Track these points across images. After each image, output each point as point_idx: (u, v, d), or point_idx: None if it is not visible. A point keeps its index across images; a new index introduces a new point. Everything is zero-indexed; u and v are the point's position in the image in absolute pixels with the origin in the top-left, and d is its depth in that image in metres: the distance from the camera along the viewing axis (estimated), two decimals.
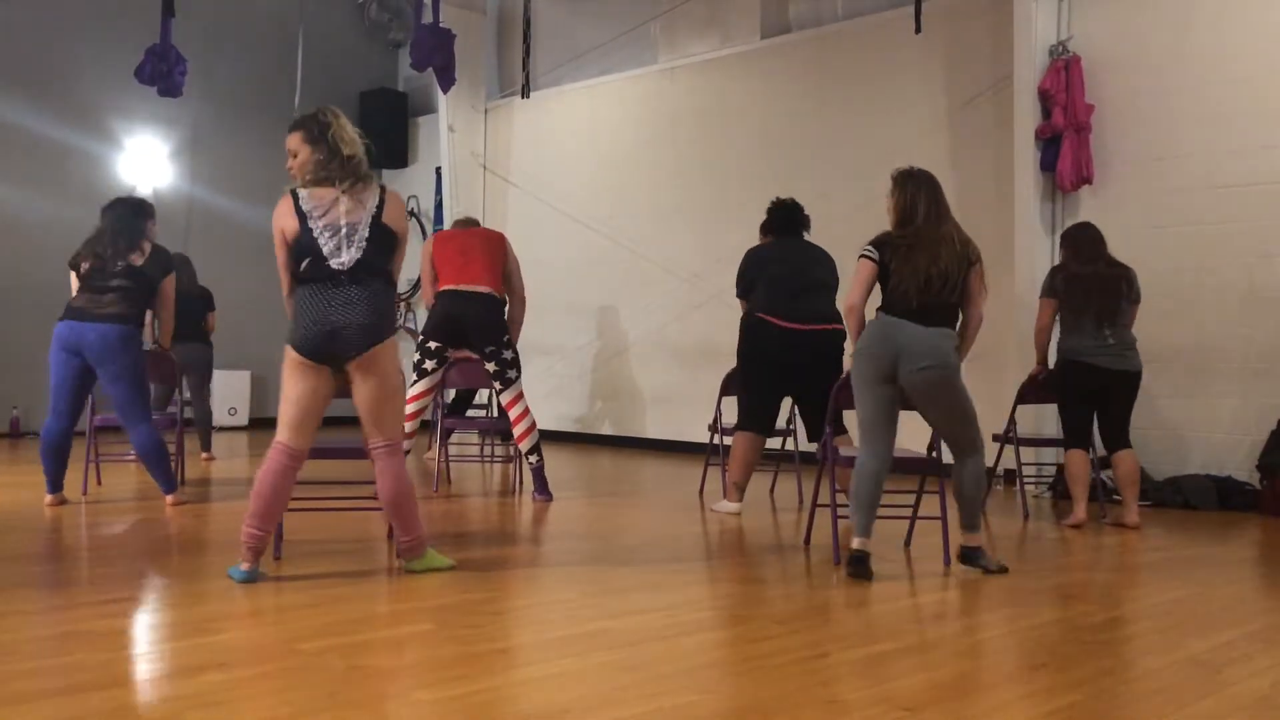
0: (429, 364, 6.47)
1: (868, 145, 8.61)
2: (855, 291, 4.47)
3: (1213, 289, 6.92)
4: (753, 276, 6.11)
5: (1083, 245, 5.99)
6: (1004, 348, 7.61)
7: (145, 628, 3.37)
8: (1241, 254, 6.82)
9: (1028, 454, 6.52)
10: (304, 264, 3.93)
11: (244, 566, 3.87)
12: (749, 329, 6.04)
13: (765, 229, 6.37)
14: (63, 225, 10.55)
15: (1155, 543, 5.46)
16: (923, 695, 2.75)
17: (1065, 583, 4.38)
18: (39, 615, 3.36)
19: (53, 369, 5.81)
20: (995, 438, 6.58)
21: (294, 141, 4.06)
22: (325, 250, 3.92)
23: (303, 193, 3.99)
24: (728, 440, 6.70)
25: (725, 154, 9.61)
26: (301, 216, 3.96)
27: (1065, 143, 7.31)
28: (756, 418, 6.03)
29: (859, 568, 4.18)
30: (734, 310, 8.77)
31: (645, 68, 10.40)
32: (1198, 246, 6.98)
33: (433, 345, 6.46)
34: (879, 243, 4.49)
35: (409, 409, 6.39)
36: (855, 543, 4.25)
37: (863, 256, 4.48)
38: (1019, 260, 7.49)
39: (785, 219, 6.30)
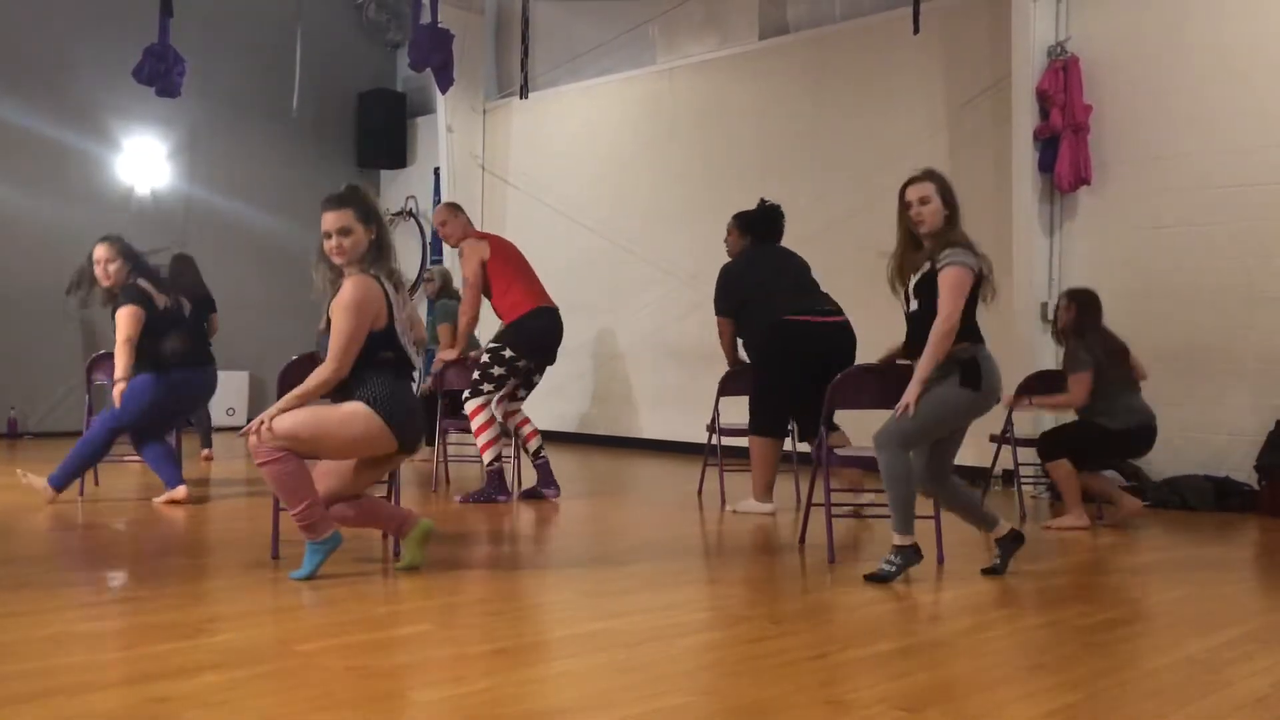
0: (511, 380, 6.25)
1: (866, 146, 8.61)
2: (959, 308, 4.10)
3: (1211, 289, 6.92)
4: (741, 295, 6.07)
5: (1097, 310, 5.96)
6: (1002, 348, 7.60)
7: (142, 629, 3.36)
8: (1240, 254, 6.82)
9: (1025, 454, 6.51)
10: (385, 353, 3.93)
11: (316, 540, 3.86)
12: (778, 335, 5.91)
13: (747, 227, 6.32)
14: (60, 225, 10.56)
15: (1153, 543, 5.46)
16: (921, 695, 2.74)
17: (1063, 583, 4.38)
18: (35, 616, 3.35)
19: (155, 409, 5.85)
20: (992, 438, 6.58)
21: (345, 219, 3.90)
22: (404, 343, 3.99)
23: (386, 283, 3.95)
24: (725, 441, 6.71)
25: (723, 155, 9.60)
26: (390, 307, 3.95)
27: (1063, 143, 7.31)
28: (780, 422, 6.05)
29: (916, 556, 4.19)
30: None
31: (643, 68, 10.40)
32: (1196, 247, 6.98)
33: (523, 364, 6.24)
34: (970, 248, 4.18)
35: (487, 431, 6.17)
36: (909, 539, 4.18)
37: (963, 266, 4.10)
38: (1017, 261, 7.49)
39: (773, 224, 6.32)
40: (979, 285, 4.24)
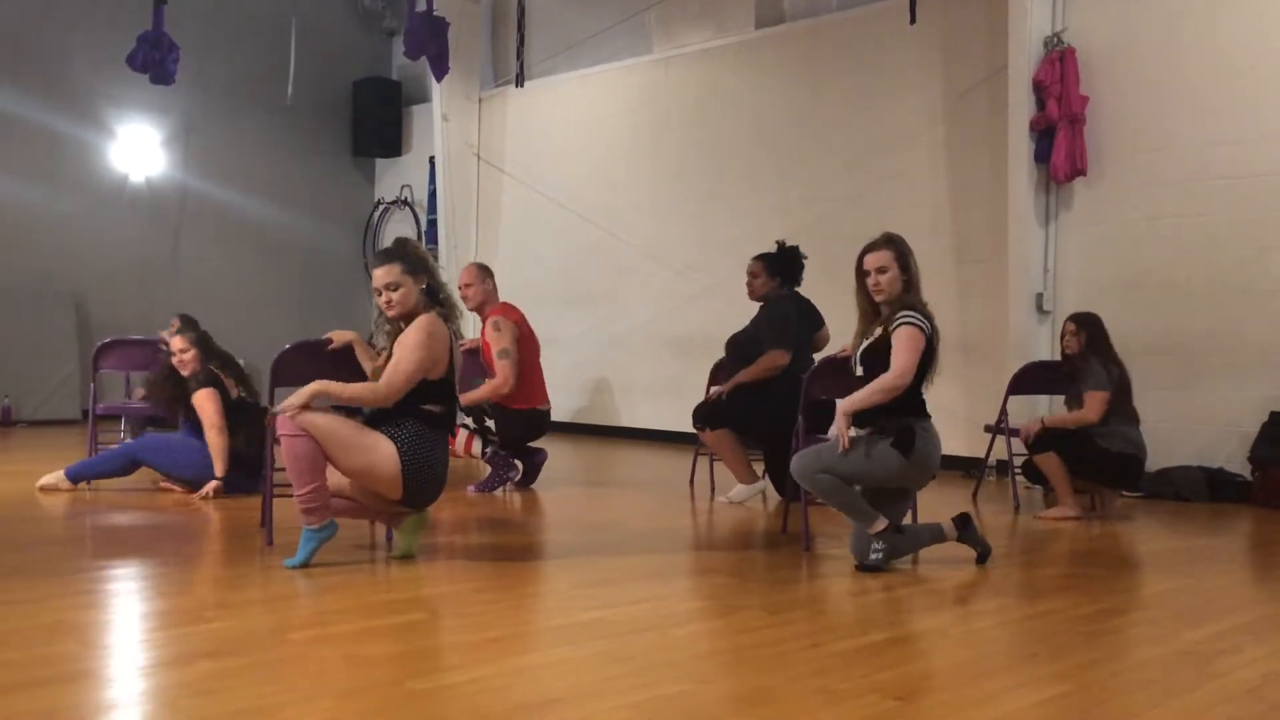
0: (488, 438, 6.26)
1: (862, 136, 8.61)
2: (913, 365, 4.03)
3: (1206, 281, 6.92)
4: (793, 334, 5.98)
5: (1105, 333, 5.95)
6: (997, 339, 7.62)
7: (136, 617, 3.36)
8: (1235, 246, 6.82)
9: (1019, 445, 6.51)
10: (433, 407, 3.92)
11: (313, 527, 3.86)
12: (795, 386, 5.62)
13: (777, 270, 6.21)
14: (55, 213, 10.55)
15: (1146, 534, 5.48)
16: (914, 685, 2.75)
17: (1056, 573, 4.39)
18: (29, 604, 3.35)
19: (194, 469, 5.81)
20: (986, 428, 6.59)
21: (393, 273, 3.91)
22: (455, 398, 4.04)
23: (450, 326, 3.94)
24: None
25: (719, 145, 9.59)
26: (451, 358, 3.94)
27: (1059, 134, 7.30)
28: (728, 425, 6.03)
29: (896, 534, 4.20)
30: (728, 302, 8.79)
31: (640, 58, 10.37)
32: (1191, 238, 6.99)
33: (494, 435, 6.27)
34: (927, 315, 4.14)
35: (458, 435, 6.17)
36: (880, 524, 4.16)
37: (917, 326, 4.05)
38: (1012, 252, 7.50)
39: (799, 267, 6.24)
40: (929, 357, 4.11)
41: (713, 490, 6.44)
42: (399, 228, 12.67)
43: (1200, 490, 6.56)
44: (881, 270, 4.15)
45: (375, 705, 2.50)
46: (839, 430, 4.09)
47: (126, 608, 3.49)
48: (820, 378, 4.83)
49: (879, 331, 4.15)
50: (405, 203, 12.50)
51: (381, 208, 12.83)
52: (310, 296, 12.30)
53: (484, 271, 6.58)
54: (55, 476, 5.76)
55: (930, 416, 4.22)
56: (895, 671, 2.86)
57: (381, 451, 3.85)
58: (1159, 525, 5.72)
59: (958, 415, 7.23)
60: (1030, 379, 6.43)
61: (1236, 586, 4.35)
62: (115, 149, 10.99)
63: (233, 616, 3.28)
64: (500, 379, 6.11)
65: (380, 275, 3.94)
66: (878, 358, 4.12)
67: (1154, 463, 6.90)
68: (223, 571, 3.86)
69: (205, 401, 5.66)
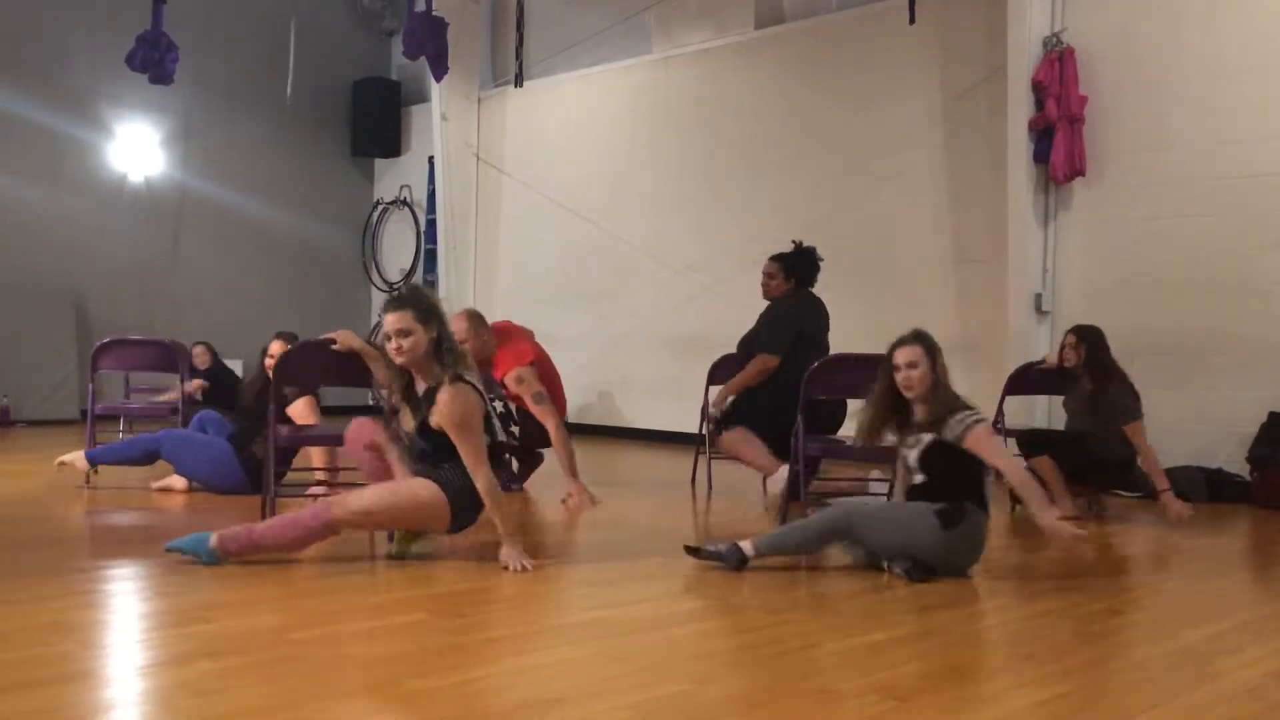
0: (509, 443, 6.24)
1: (861, 136, 8.61)
2: (1006, 453, 4.18)
3: (1204, 281, 6.93)
4: (793, 339, 5.92)
5: (1107, 346, 5.93)
6: (996, 339, 7.62)
7: (135, 616, 3.36)
8: (1234, 246, 6.83)
9: (1015, 445, 6.51)
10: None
11: (219, 553, 3.90)
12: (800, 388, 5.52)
13: (794, 271, 6.15)
14: (54, 213, 10.54)
15: (1145, 534, 5.48)
16: (914, 685, 2.75)
17: (1054, 573, 4.39)
18: (28, 604, 3.34)
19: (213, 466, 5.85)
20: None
21: (405, 320, 3.95)
22: (496, 428, 4.06)
23: (478, 384, 4.01)
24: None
25: (719, 145, 9.59)
26: (486, 405, 4.03)
27: (1058, 134, 7.31)
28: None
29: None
30: (727, 302, 8.80)
31: (639, 57, 10.37)
32: (1190, 238, 6.99)
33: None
34: (973, 407, 4.20)
35: None
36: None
37: (986, 422, 4.13)
38: (1011, 252, 7.50)
39: (816, 269, 6.19)
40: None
41: (710, 490, 6.44)
42: (398, 227, 12.68)
43: (1199, 490, 6.56)
44: (912, 365, 4.12)
45: (375, 705, 2.50)
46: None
47: (125, 608, 3.49)
48: (819, 378, 4.82)
49: (930, 437, 4.09)
50: (404, 203, 12.50)
51: (381, 208, 12.83)
52: (309, 296, 12.30)
53: (476, 321, 6.06)
54: (75, 455, 5.80)
55: (989, 516, 4.14)
56: (894, 671, 2.86)
57: (430, 494, 3.94)
58: (1157, 525, 5.72)
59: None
60: (1028, 380, 6.43)
61: (1235, 586, 4.35)
62: (114, 149, 10.98)
63: (233, 616, 3.28)
64: (552, 427, 5.98)
65: (392, 321, 3.97)
66: (945, 460, 4.06)
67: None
68: (223, 571, 3.85)
69: (303, 408, 5.66)
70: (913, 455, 4.13)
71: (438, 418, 3.93)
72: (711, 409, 6.12)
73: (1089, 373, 5.82)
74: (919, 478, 4.12)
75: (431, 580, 3.85)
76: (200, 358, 8.21)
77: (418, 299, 4.03)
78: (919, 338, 4.20)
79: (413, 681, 2.66)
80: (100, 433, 6.78)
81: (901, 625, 3.44)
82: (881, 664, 2.94)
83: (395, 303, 4.02)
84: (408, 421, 4.09)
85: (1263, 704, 2.66)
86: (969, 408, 4.10)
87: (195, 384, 7.90)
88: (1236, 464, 6.70)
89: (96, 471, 5.87)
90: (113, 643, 3.05)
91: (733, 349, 6.42)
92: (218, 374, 8.41)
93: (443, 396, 3.92)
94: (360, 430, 4.21)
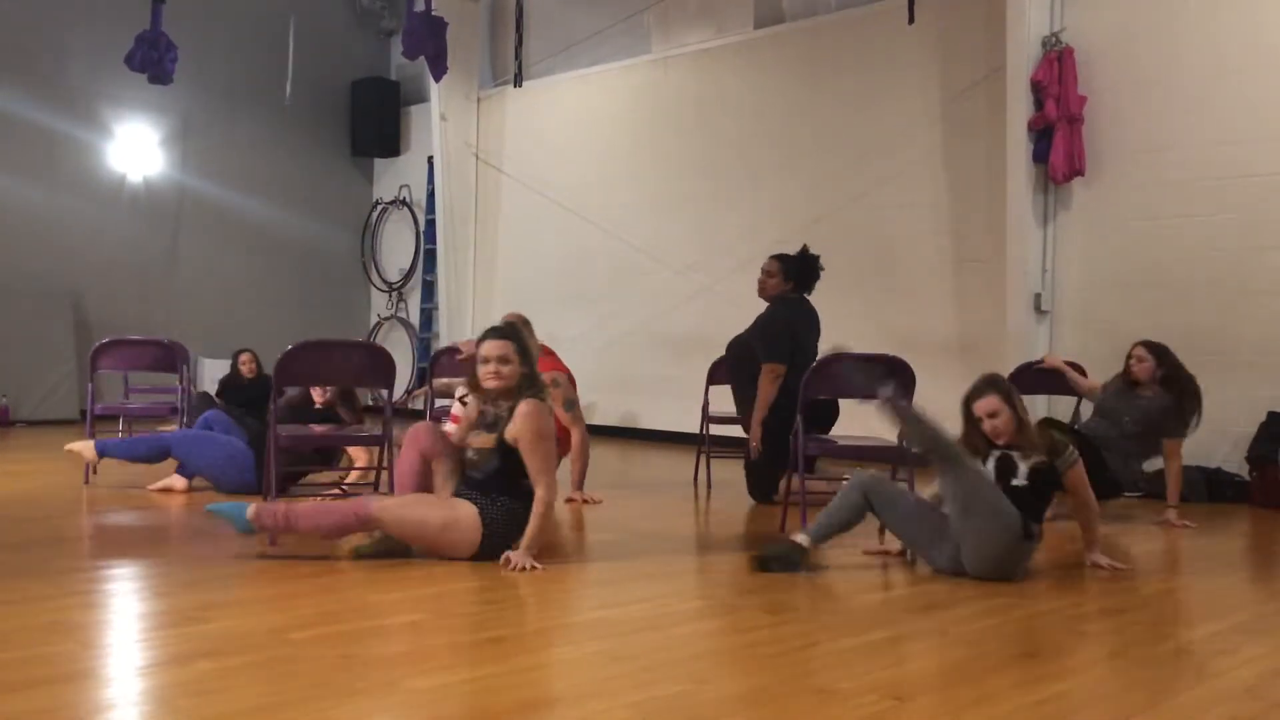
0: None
1: (860, 136, 8.61)
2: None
3: (1204, 281, 6.93)
4: (791, 344, 5.91)
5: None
6: (995, 339, 7.62)
7: (135, 616, 3.36)
8: (1233, 246, 6.83)
9: None
10: (529, 482, 4.10)
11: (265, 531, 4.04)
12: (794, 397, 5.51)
13: (794, 274, 6.14)
14: (53, 213, 10.54)
15: (1144, 534, 5.48)
16: (913, 684, 2.75)
17: (1054, 573, 4.39)
18: (28, 604, 3.35)
19: (223, 462, 5.87)
20: None
21: (506, 349, 4.15)
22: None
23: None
24: (715, 430, 6.72)
25: (718, 145, 9.60)
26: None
27: (1057, 134, 7.31)
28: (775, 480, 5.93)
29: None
30: (727, 302, 8.79)
31: (638, 57, 10.38)
32: (1189, 238, 6.99)
33: None
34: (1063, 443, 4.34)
35: None
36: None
37: (1082, 465, 4.30)
38: (1010, 252, 7.50)
39: (815, 276, 6.18)
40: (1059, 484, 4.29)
41: (710, 489, 6.44)
42: (398, 227, 12.68)
43: (1198, 490, 6.56)
44: (993, 415, 4.18)
45: (375, 705, 2.50)
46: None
47: (125, 607, 3.49)
48: (818, 378, 4.82)
49: (1043, 457, 4.17)
50: (404, 203, 12.50)
51: (380, 207, 12.83)
52: (308, 296, 12.30)
53: (528, 327, 6.06)
54: (84, 444, 5.82)
55: (1040, 540, 4.20)
56: (893, 671, 2.86)
57: (469, 520, 4.05)
58: (1157, 525, 5.73)
59: (956, 415, 7.21)
60: (1027, 379, 6.42)
61: (1234, 586, 4.36)
62: (113, 149, 10.98)
63: (232, 616, 3.28)
64: (576, 436, 5.98)
65: (494, 348, 4.17)
66: (1045, 481, 4.19)
67: (1153, 463, 6.91)
68: (222, 571, 3.85)
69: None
70: (1024, 467, 4.17)
71: (515, 430, 4.08)
72: (753, 453, 5.96)
73: (1165, 385, 5.77)
74: (1023, 480, 4.16)
75: (430, 580, 3.86)
76: (246, 365, 8.08)
77: (518, 334, 4.30)
78: (992, 385, 4.25)
79: (413, 681, 2.66)
80: (100, 432, 6.77)
81: (901, 625, 3.44)
82: (881, 664, 2.94)
83: (499, 332, 4.28)
84: (484, 440, 4.15)
85: (1261, 703, 2.67)
86: (1066, 443, 4.25)
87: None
88: (1235, 464, 6.70)
89: (99, 464, 5.86)
90: (112, 643, 3.06)
91: None
92: (265, 383, 8.24)
93: (522, 409, 4.09)
94: (420, 434, 4.24)
